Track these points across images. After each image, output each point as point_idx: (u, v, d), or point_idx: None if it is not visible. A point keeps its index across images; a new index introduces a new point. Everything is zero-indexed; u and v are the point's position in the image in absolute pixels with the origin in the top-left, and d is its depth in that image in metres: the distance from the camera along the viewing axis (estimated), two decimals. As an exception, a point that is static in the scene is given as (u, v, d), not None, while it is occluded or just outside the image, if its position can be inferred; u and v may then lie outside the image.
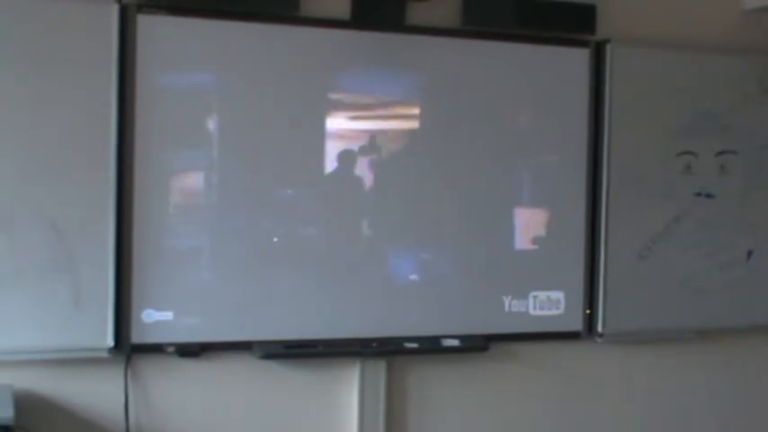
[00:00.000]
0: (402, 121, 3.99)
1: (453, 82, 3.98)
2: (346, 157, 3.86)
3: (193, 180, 3.67)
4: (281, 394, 3.86)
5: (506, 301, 4.07)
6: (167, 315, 3.61)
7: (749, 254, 4.43)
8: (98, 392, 3.59)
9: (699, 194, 4.33)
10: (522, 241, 4.11)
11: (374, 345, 3.88)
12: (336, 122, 3.86)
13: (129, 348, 3.58)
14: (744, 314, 4.43)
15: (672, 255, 4.28)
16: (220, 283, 3.70)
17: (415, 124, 4.01)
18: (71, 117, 3.47)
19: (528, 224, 4.12)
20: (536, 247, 4.13)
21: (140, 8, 3.54)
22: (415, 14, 3.92)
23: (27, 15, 3.41)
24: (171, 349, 3.63)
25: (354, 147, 3.86)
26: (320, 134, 3.83)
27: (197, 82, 3.66)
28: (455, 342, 3.98)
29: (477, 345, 4.01)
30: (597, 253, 4.17)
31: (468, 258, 4.03)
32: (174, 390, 3.70)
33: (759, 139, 4.42)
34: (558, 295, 4.14)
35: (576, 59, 4.14)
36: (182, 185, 3.65)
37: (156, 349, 3.62)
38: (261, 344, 3.73)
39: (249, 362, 3.75)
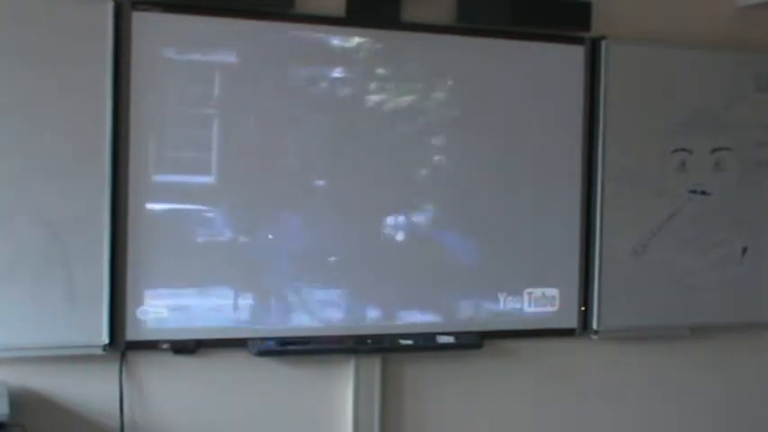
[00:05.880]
0: (397, 117, 3.98)
1: (448, 79, 3.98)
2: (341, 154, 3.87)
3: (188, 177, 3.66)
4: (277, 391, 3.86)
5: (501, 298, 4.07)
6: (162, 312, 3.62)
7: (744, 251, 4.44)
8: (93, 389, 3.59)
9: (693, 191, 4.34)
10: (517, 238, 4.11)
11: (369, 342, 3.89)
12: (332, 118, 3.86)
13: (123, 345, 3.58)
14: (738, 311, 4.44)
15: (667, 252, 4.29)
16: (215, 280, 3.70)
17: (410, 122, 4.00)
18: (66, 114, 3.47)
19: (522, 221, 4.11)
20: (531, 243, 4.13)
21: (135, 5, 3.54)
22: (411, 11, 3.92)
23: (21, 13, 3.41)
24: (166, 346, 3.64)
25: (351, 143, 3.87)
26: (317, 130, 3.83)
27: (192, 79, 3.65)
28: (450, 339, 3.99)
29: (471, 342, 4.02)
30: (592, 250, 4.18)
31: (462, 255, 4.03)
32: (169, 387, 3.70)
33: (754, 137, 4.42)
34: (552, 292, 4.15)
35: (571, 56, 4.14)
36: (176, 183, 3.65)
37: (151, 346, 3.62)
38: (256, 341, 3.74)
39: (244, 359, 3.75)
